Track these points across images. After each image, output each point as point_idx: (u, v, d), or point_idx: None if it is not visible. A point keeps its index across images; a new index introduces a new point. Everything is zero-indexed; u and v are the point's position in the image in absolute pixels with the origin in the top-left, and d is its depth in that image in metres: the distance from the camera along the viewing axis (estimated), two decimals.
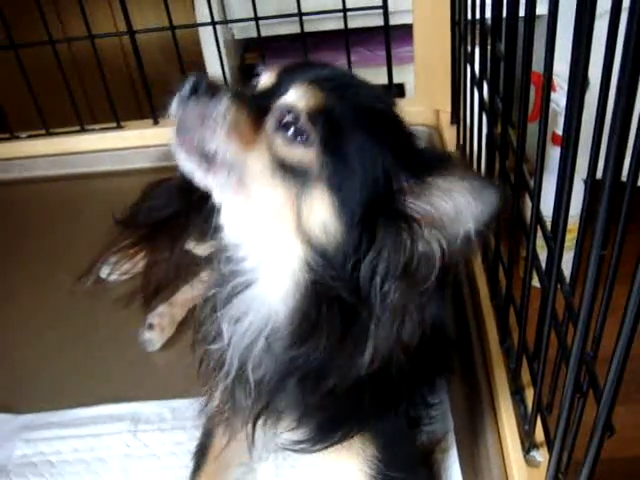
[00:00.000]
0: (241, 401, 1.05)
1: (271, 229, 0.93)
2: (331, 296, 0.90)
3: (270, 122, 0.91)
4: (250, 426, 1.06)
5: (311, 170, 0.88)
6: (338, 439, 1.04)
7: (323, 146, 0.88)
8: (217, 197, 0.97)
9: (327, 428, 1.04)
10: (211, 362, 1.08)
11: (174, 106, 0.92)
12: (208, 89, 0.90)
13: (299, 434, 1.05)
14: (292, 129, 0.89)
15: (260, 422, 1.05)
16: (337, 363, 0.93)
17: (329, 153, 0.88)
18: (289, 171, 0.88)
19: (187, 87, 0.90)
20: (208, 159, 0.91)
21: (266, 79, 0.99)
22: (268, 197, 0.91)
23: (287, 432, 1.05)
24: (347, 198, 0.88)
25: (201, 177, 0.93)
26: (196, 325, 1.11)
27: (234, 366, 1.01)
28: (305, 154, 0.88)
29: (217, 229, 1.03)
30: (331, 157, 0.88)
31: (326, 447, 1.04)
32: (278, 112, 0.91)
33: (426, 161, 0.91)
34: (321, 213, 0.88)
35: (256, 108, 0.93)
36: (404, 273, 0.87)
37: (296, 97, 0.91)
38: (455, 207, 0.86)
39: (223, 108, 0.89)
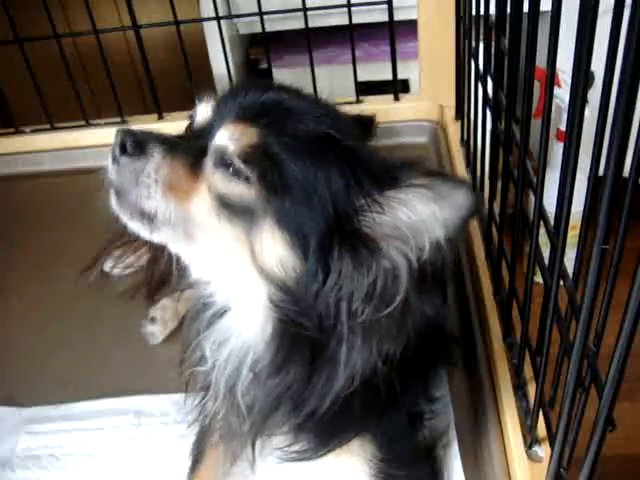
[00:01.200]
0: (236, 426, 1.05)
1: (230, 268, 0.93)
2: (297, 334, 0.90)
3: (209, 164, 0.89)
4: (249, 447, 1.07)
5: (256, 206, 0.86)
6: (337, 444, 1.05)
7: (263, 183, 0.85)
8: (171, 248, 0.97)
9: (324, 437, 1.04)
10: (198, 384, 1.09)
11: (108, 166, 0.91)
12: (136, 146, 0.88)
13: (297, 446, 1.05)
14: (231, 168, 0.86)
15: (258, 442, 1.07)
16: (311, 390, 0.93)
17: (270, 189, 0.85)
18: (235, 210, 0.87)
19: (115, 146, 0.88)
20: (149, 218, 0.89)
21: (202, 114, 0.96)
22: (218, 240, 0.90)
23: (285, 446, 1.06)
24: (297, 230, 0.85)
25: (147, 235, 0.92)
26: (184, 344, 1.11)
27: (221, 390, 1.01)
28: (246, 192, 0.86)
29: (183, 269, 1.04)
30: (273, 192, 0.85)
31: (325, 453, 1.05)
32: (213, 155, 0.89)
33: (383, 175, 0.88)
34: (273, 249, 0.86)
35: (193, 152, 0.91)
36: (371, 292, 0.85)
37: (226, 137, 0.88)
38: (417, 217, 0.83)
39: (154, 165, 0.88)
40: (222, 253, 0.91)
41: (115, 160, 0.89)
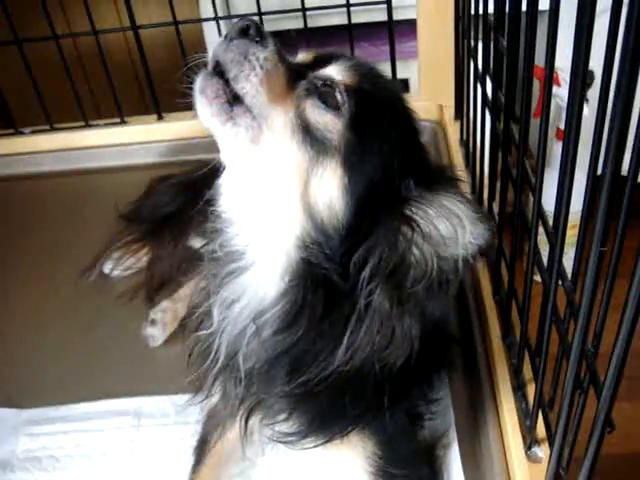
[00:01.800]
0: (230, 391, 1.05)
1: (273, 196, 0.93)
2: (319, 279, 0.91)
3: (305, 86, 0.93)
4: (242, 417, 1.06)
5: (332, 141, 0.89)
6: (332, 435, 1.04)
7: (351, 121, 0.90)
8: (226, 154, 0.97)
9: (318, 423, 1.04)
10: (201, 348, 1.08)
11: (216, 47, 0.93)
12: (257, 34, 0.91)
13: (289, 426, 1.05)
14: (326, 96, 0.91)
15: (253, 414, 1.06)
16: (312, 354, 0.93)
17: (355, 130, 0.89)
18: (310, 135, 0.89)
19: (237, 27, 0.91)
20: (232, 104, 0.90)
21: (303, 57, 1.01)
22: (282, 156, 0.91)
23: (278, 424, 1.05)
24: (358, 180, 0.89)
25: (219, 123, 0.92)
26: (190, 312, 1.11)
27: (222, 353, 1.01)
28: (332, 122, 0.90)
29: (215, 211, 1.04)
30: (355, 135, 0.89)
31: (319, 443, 1.04)
32: (316, 79, 0.93)
33: (435, 176, 0.95)
34: (330, 186, 0.89)
35: (294, 70, 0.95)
36: (392, 274, 0.88)
37: (336, 72, 0.93)
38: (452, 228, 0.88)
39: (266, 55, 0.90)
40: (276, 174, 0.92)
41: (230, 39, 0.91)
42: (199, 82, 0.92)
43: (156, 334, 1.53)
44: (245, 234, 0.98)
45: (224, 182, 1.02)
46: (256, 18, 1.94)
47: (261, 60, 0.90)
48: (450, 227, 0.88)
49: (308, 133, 0.90)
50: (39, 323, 1.62)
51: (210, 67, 0.93)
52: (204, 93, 0.91)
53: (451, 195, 0.91)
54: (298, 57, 1.02)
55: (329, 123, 0.90)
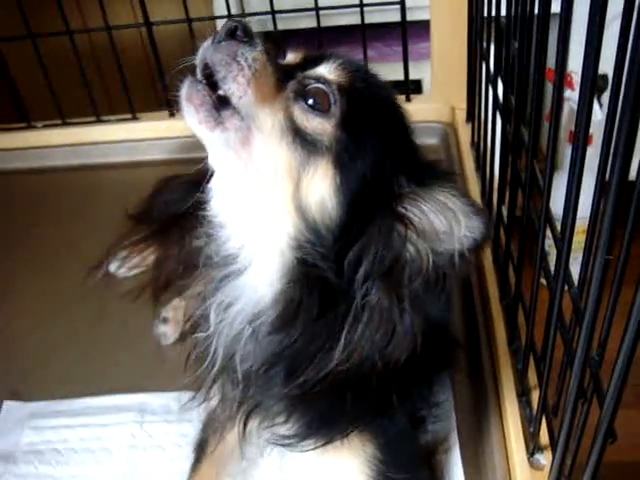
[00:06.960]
0: (228, 393, 1.05)
1: (264, 199, 0.92)
2: (314, 278, 0.91)
3: (293, 87, 0.92)
4: (241, 420, 1.06)
5: (322, 142, 0.88)
6: (331, 438, 1.03)
7: (343, 120, 0.89)
8: (214, 159, 0.96)
9: (317, 425, 1.03)
10: (198, 351, 1.07)
11: (204, 49, 0.91)
12: (245, 34, 0.90)
13: (288, 429, 1.04)
14: (315, 98, 0.90)
15: (251, 416, 1.05)
16: (310, 354, 0.92)
17: (346, 129, 0.89)
18: (299, 137, 0.89)
19: (225, 28, 0.90)
20: (220, 108, 0.89)
21: (292, 57, 1.00)
22: (271, 157, 0.90)
23: (276, 426, 1.04)
24: (350, 178, 0.88)
25: (207, 130, 0.90)
26: (186, 315, 1.11)
27: (219, 355, 1.00)
28: (321, 125, 0.89)
29: (206, 216, 1.03)
30: (347, 133, 0.89)
31: (318, 445, 1.03)
32: (306, 79, 0.92)
33: (427, 172, 0.94)
34: (321, 186, 0.88)
35: (282, 71, 0.93)
36: (388, 272, 0.88)
37: (327, 71, 0.93)
38: (447, 224, 0.88)
39: (254, 55, 0.89)
40: (266, 177, 0.91)
41: (218, 40, 0.90)
42: (185, 89, 0.91)
43: (168, 332, 1.52)
44: (237, 237, 0.97)
45: (214, 186, 1.00)
46: (270, 17, 1.95)
47: (249, 60, 0.88)
48: (444, 221, 0.88)
49: (298, 134, 0.89)
50: (45, 317, 1.62)
51: (199, 70, 0.92)
52: (190, 100, 0.90)
53: (444, 189, 0.90)
54: (287, 57, 1.01)
55: (318, 127, 0.89)
